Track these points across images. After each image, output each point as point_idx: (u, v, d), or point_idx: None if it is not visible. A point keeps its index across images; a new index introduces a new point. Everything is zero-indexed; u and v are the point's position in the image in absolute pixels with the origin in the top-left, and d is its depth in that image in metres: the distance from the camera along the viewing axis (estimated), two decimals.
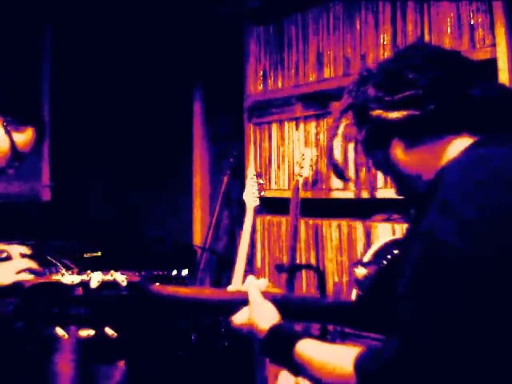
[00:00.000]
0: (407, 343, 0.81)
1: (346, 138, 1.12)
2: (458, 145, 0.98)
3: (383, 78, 1.05)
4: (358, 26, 2.43)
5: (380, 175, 2.30)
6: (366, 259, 1.21)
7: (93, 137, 3.27)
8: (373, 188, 1.25)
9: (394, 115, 1.00)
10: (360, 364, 0.88)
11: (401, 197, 1.13)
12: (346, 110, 1.10)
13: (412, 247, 0.88)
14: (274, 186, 2.81)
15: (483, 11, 2.04)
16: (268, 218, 2.83)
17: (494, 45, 2.00)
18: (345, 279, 2.42)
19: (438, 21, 2.16)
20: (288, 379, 2.18)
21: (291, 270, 2.33)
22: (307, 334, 1.05)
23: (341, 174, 1.19)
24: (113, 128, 3.36)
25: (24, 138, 1.97)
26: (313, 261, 2.57)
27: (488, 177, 0.85)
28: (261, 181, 2.70)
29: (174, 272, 1.08)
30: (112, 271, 0.99)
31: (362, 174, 2.40)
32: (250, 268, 2.80)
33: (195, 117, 3.47)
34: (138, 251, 2.77)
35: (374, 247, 1.22)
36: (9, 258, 1.99)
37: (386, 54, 2.31)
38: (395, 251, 1.15)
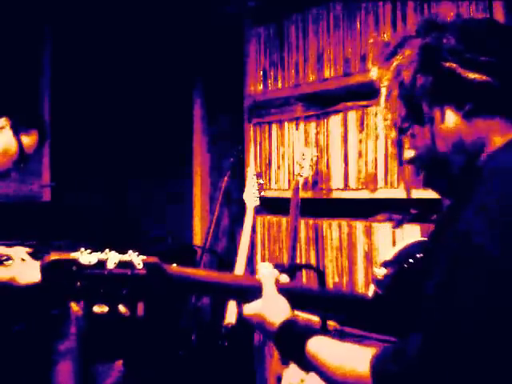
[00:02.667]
0: (435, 341, 0.79)
1: (397, 76, 1.01)
2: (510, 133, 0.94)
3: (468, 34, 0.97)
4: (358, 26, 2.43)
5: (380, 175, 2.30)
6: (388, 258, 1.20)
7: (93, 137, 3.27)
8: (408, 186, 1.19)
9: (472, 76, 0.93)
10: (378, 365, 0.85)
11: (427, 173, 1.05)
12: (418, 50, 0.99)
13: (444, 246, 0.85)
14: (274, 185, 2.81)
15: (483, 11, 2.03)
16: (268, 218, 2.83)
17: None
18: (345, 279, 2.42)
19: None
20: (292, 379, 2.18)
21: (291, 270, 2.32)
22: (319, 331, 1.04)
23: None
24: (113, 128, 3.36)
25: (30, 140, 1.99)
26: (313, 261, 2.57)
27: None
28: (261, 181, 2.70)
29: None
30: (130, 251, 1.02)
31: (362, 173, 2.40)
32: (250, 268, 2.80)
33: (195, 117, 3.47)
34: (137, 251, 2.76)
35: (398, 247, 1.21)
36: (9, 259, 2.01)
37: None
38: (418, 255, 1.14)
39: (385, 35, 2.32)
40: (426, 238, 1.22)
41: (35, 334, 2.08)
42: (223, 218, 3.30)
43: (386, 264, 1.20)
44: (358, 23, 2.43)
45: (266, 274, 1.13)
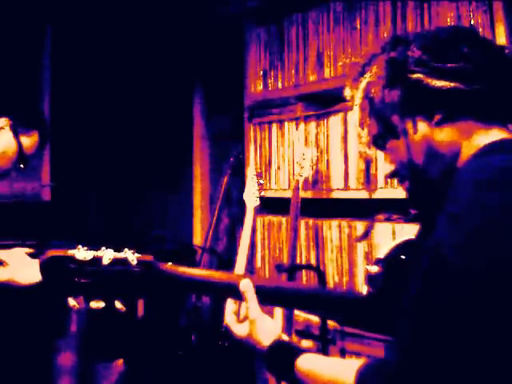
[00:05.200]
0: (407, 361, 0.79)
1: (368, 94, 1.03)
2: (485, 137, 0.94)
3: (433, 43, 0.98)
4: (358, 26, 2.43)
5: (381, 175, 2.30)
6: (381, 256, 1.20)
7: (93, 137, 3.27)
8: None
9: (439, 84, 0.94)
10: (362, 378, 0.87)
11: (406, 185, 1.05)
12: (385, 66, 1.00)
13: (420, 260, 0.84)
14: (274, 185, 2.81)
15: (483, 11, 2.03)
16: (268, 218, 2.83)
17: None
18: (345, 279, 2.42)
19: (438, 21, 2.16)
20: None
21: (291, 270, 2.33)
22: (307, 350, 1.06)
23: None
24: (113, 128, 3.35)
25: (30, 141, 1.98)
26: (313, 261, 2.57)
27: (502, 192, 0.81)
28: (261, 181, 2.70)
29: None
30: (126, 249, 1.04)
31: (360, 173, 2.40)
32: (250, 268, 2.80)
33: (195, 117, 3.47)
34: (137, 251, 2.76)
35: (391, 244, 1.20)
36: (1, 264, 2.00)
37: None
38: (404, 254, 1.14)
39: (385, 35, 2.32)
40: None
41: (35, 334, 2.08)
42: (223, 217, 3.30)
43: (378, 262, 1.19)
44: (358, 23, 2.43)
45: (249, 296, 1.10)
